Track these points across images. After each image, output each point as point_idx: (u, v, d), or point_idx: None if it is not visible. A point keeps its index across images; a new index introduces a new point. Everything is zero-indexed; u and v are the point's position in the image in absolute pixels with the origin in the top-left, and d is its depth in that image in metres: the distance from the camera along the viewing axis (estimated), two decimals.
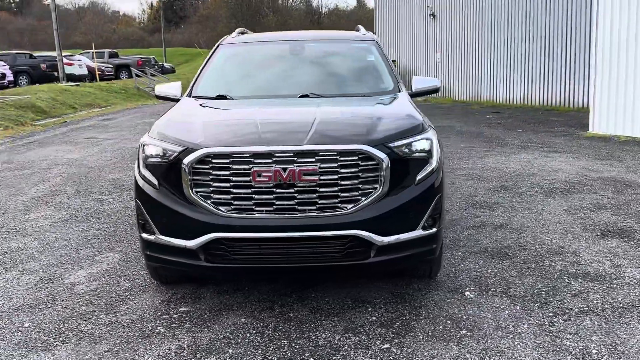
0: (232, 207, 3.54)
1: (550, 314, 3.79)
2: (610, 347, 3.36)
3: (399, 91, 4.73)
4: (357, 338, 3.51)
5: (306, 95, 4.59)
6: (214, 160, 3.55)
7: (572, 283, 4.29)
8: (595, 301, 3.97)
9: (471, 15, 22.45)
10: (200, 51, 57.67)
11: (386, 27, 28.64)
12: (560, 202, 6.66)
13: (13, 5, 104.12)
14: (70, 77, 31.19)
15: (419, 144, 3.79)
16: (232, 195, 3.54)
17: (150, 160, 3.77)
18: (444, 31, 24.36)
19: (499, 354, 3.30)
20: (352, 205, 3.55)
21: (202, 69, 5.17)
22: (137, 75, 30.42)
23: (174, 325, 3.73)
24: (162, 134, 3.85)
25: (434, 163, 3.83)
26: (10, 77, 28.00)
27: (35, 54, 35.09)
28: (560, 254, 4.91)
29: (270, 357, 3.30)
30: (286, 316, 3.82)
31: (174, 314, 3.89)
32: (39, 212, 6.60)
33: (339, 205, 3.55)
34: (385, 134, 3.70)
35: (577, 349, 3.34)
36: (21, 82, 29.35)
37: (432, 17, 25.08)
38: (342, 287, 4.26)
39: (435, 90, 5.10)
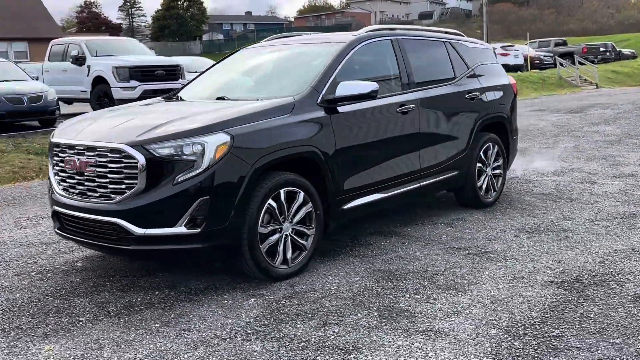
0: (61, 187, 4.64)
1: (243, 337, 3.75)
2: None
3: (300, 97, 4.79)
4: (78, 309, 4.18)
5: (222, 98, 5.16)
6: (54, 149, 4.70)
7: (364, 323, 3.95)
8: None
9: None
10: None
11: None
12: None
13: None
14: (505, 67, 32.22)
15: (186, 148, 4.15)
16: (59, 177, 4.65)
17: None
18: None
19: (84, 351, 3.60)
20: (119, 196, 4.25)
21: (203, 71, 6.10)
22: (561, 64, 29.67)
23: (29, 280, 4.99)
24: (60, 125, 5.12)
25: (202, 166, 4.12)
26: None
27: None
28: (445, 291, 4.33)
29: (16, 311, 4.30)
30: (105, 292, 4.56)
31: (56, 273, 5.10)
32: None
33: (110, 195, 4.29)
34: (149, 136, 4.20)
35: None
36: None
37: None
38: (205, 274, 4.80)
39: (366, 97, 4.92)
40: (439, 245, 5.31)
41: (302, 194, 4.61)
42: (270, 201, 4.41)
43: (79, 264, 5.13)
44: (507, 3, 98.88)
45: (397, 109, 5.45)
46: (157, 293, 4.41)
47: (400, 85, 5.63)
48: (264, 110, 4.56)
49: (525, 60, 33.23)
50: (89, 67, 15.79)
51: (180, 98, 5.59)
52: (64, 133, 4.75)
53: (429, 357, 3.35)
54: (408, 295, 4.22)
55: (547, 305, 3.98)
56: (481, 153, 6.45)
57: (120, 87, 15.04)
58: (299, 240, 4.65)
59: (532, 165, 8.90)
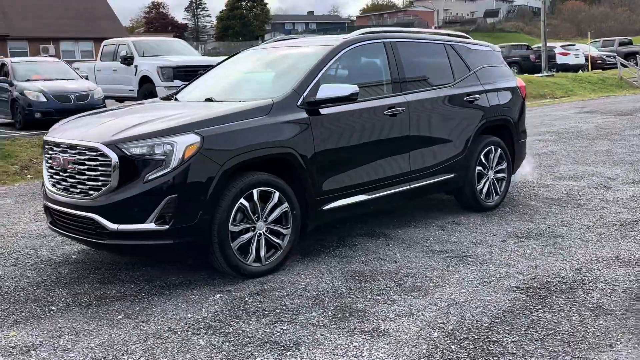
0: (50, 183, 4.92)
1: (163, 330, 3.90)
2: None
3: (279, 99, 4.91)
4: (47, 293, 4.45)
5: (210, 99, 5.34)
6: (45, 146, 4.99)
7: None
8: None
9: None
10: None
11: None
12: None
13: None
14: (564, 67, 31.55)
15: (157, 147, 4.34)
16: (49, 174, 4.93)
17: None
18: None
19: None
20: (96, 192, 4.49)
21: (204, 72, 6.30)
22: (623, 65, 28.67)
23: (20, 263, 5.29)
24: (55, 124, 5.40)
25: (170, 165, 4.30)
26: None
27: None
28: (407, 293, 4.38)
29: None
30: (85, 283, 4.78)
31: (49, 264, 5.40)
32: None
33: (88, 191, 4.54)
34: (123, 135, 4.42)
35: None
36: None
37: None
38: (180, 268, 5.00)
39: (345, 99, 5.00)
40: (422, 248, 5.33)
41: (277, 194, 4.72)
42: (243, 200, 4.54)
43: (73, 256, 5.40)
44: (578, 1, 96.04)
45: (385, 112, 5.48)
46: (132, 286, 4.62)
47: (391, 88, 5.68)
48: (240, 112, 4.70)
49: (587, 60, 32.25)
50: (136, 66, 16.32)
51: (175, 99, 5.80)
52: (54, 132, 5.03)
53: (362, 357, 3.42)
54: (370, 296, 4.28)
55: (502, 310, 3.97)
56: (481, 156, 6.40)
57: (164, 87, 15.45)
58: (274, 239, 4.77)
59: (552, 169, 8.74)
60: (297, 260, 5.07)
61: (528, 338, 3.58)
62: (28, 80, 14.82)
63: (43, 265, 5.17)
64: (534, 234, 5.63)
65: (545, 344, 3.50)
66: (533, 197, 7.11)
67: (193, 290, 4.50)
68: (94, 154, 4.43)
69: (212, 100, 5.30)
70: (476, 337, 3.61)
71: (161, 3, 79.39)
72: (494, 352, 3.42)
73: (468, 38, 6.87)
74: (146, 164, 4.33)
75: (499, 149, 6.61)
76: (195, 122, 4.48)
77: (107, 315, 4.09)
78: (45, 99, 13.91)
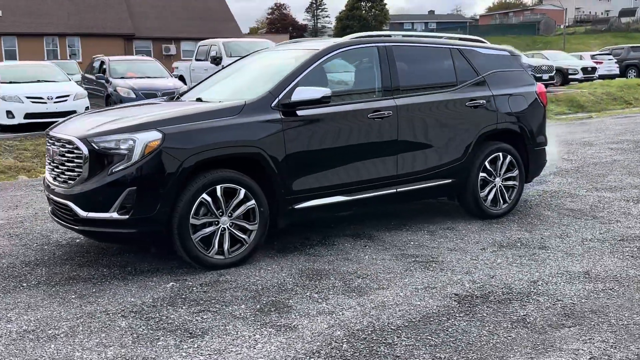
0: (47, 172, 5.46)
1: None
2: None
3: (252, 100, 5.14)
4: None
5: (200, 99, 5.69)
6: (46, 138, 5.53)
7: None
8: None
9: None
10: None
11: None
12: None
13: None
14: None
15: (122, 143, 4.74)
16: (47, 163, 5.47)
17: None
18: None
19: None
20: (72, 182, 4.96)
21: (213, 73, 6.64)
22: None
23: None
24: None
25: (132, 159, 4.68)
26: (613, 70, 28.89)
27: None
28: (346, 293, 4.50)
29: None
30: (67, 265, 5.29)
31: (52, 246, 5.93)
32: None
33: (68, 180, 5.01)
34: (95, 130, 4.84)
35: None
36: (629, 75, 29.83)
37: None
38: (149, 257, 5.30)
39: (317, 102, 5.15)
40: (396, 251, 5.36)
41: (242, 191, 4.94)
42: (205, 195, 4.81)
43: (77, 240, 5.90)
44: None
45: (370, 115, 5.55)
46: (104, 270, 5.02)
47: (381, 92, 5.73)
48: (209, 112, 4.98)
49: None
50: (223, 66, 17.03)
51: (177, 98, 6.18)
52: (57, 126, 5.55)
53: (255, 348, 3.58)
54: (308, 294, 4.41)
55: (422, 315, 3.99)
56: (486, 162, 6.28)
57: None
58: (239, 234, 4.99)
59: (597, 179, 8.33)
60: (269, 256, 5.27)
61: (423, 344, 3.59)
62: (122, 77, 15.90)
63: (46, 247, 5.69)
64: (519, 244, 5.49)
65: (437, 350, 3.51)
66: (552, 206, 6.87)
67: (154, 277, 4.82)
68: (71, 146, 4.87)
69: (201, 101, 5.61)
70: (374, 338, 3.66)
71: (283, 4, 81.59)
72: (380, 353, 3.48)
73: (483, 42, 6.75)
74: (112, 158, 4.71)
75: (509, 156, 6.44)
76: (160, 120, 4.80)
77: (64, 294, 4.49)
78: (134, 96, 14.88)
